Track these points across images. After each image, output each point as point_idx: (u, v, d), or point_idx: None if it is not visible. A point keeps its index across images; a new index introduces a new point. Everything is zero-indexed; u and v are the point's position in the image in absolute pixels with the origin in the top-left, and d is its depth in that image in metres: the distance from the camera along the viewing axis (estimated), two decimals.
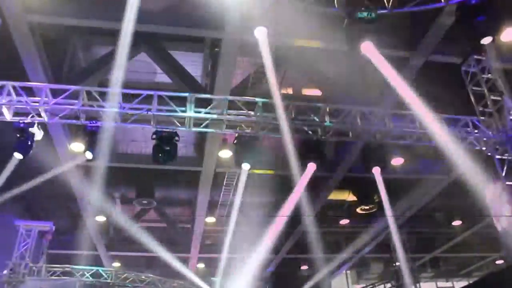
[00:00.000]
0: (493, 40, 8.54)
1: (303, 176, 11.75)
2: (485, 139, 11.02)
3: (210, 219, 17.89)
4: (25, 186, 13.85)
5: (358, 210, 17.57)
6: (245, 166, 10.39)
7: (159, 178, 15.43)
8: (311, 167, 11.29)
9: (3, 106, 9.40)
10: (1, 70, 10.21)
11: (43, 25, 9.99)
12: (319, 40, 9.98)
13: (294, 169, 11.06)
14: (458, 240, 20.06)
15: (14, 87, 9.46)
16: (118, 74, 9.42)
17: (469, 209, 18.27)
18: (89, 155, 10.00)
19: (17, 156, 10.01)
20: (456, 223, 19.85)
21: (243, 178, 13.35)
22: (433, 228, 20.41)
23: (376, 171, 11.74)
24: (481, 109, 11.19)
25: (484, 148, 11.07)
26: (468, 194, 15.80)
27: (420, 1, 8.36)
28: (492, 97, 11.10)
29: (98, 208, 16.36)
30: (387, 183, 13.59)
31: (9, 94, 9.43)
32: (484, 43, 8.60)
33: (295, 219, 18.27)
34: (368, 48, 7.94)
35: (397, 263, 19.30)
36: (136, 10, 7.94)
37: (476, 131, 11.03)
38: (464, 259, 23.27)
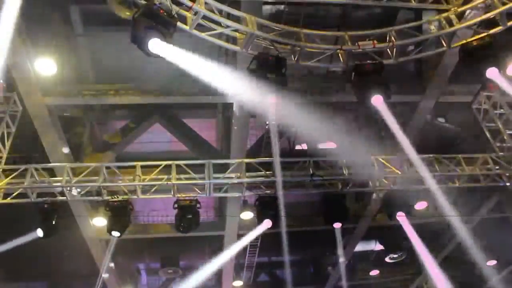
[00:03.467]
0: (500, 75, 8.56)
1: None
2: (507, 174, 10.87)
3: (238, 283, 17.50)
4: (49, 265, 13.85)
5: (387, 259, 17.12)
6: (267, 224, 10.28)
7: (182, 246, 15.31)
8: (337, 225, 11.12)
9: (27, 188, 9.59)
10: (24, 153, 10.50)
11: (60, 106, 10.35)
12: (329, 95, 10.17)
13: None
14: (495, 280, 19.23)
15: (36, 169, 9.71)
16: (134, 147, 9.64)
17: (502, 247, 17.73)
18: (116, 234, 10.07)
19: (39, 233, 10.09)
20: (491, 263, 19.13)
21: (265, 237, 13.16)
22: (467, 270, 19.66)
23: (401, 217, 11.50)
24: (498, 144, 11.10)
25: (508, 184, 10.90)
26: (498, 232, 15.43)
27: (423, 47, 8.52)
28: (508, 132, 11.03)
29: (124, 280, 16.20)
30: (414, 228, 13.29)
31: (32, 176, 9.65)
32: (492, 80, 8.61)
33: (324, 273, 17.87)
34: (378, 100, 8.01)
35: None
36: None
37: (497, 167, 10.90)
38: None
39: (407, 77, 11.04)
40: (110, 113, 12.48)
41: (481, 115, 11.15)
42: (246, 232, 11.93)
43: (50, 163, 10.28)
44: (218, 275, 17.23)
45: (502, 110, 10.96)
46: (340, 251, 15.28)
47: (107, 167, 9.75)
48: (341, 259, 15.68)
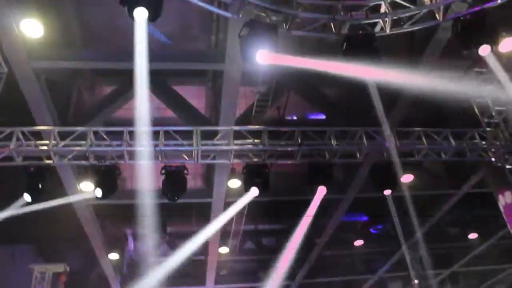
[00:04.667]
0: (492, 52, 8.55)
1: (314, 200, 11.64)
2: (493, 150, 11.02)
3: (224, 249, 17.76)
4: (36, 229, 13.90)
5: (371, 230, 17.42)
6: (254, 192, 10.37)
7: (169, 212, 15.40)
8: (321, 190, 11.21)
9: (13, 151, 9.53)
10: (10, 117, 10.36)
11: (47, 69, 10.16)
12: (320, 64, 10.08)
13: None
14: (476, 253, 19.74)
15: (22, 132, 9.63)
16: (123, 112, 9.58)
17: (484, 222, 18.14)
18: (98, 193, 10.08)
19: (27, 198, 10.09)
20: (472, 236, 19.60)
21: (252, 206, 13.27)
22: (449, 243, 20.14)
23: (387, 189, 11.62)
24: (486, 120, 11.20)
25: (493, 159, 11.06)
26: (481, 206, 15.73)
27: (417, 19, 8.42)
28: (497, 108, 11.12)
29: (111, 245, 16.34)
30: (399, 201, 13.49)
31: (18, 139, 9.58)
32: (483, 55, 8.58)
33: (309, 243, 18.15)
34: (367, 71, 7.96)
35: (416, 281, 18.97)
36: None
37: (484, 142, 11.03)
38: (484, 272, 22.84)
39: (399, 50, 10.97)
40: (98, 78, 12.29)
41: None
42: (234, 199, 12.02)
43: (37, 126, 10.18)
44: (205, 242, 17.44)
45: (492, 86, 11.00)
46: (326, 220, 15.53)
47: (95, 132, 9.69)
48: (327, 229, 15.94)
